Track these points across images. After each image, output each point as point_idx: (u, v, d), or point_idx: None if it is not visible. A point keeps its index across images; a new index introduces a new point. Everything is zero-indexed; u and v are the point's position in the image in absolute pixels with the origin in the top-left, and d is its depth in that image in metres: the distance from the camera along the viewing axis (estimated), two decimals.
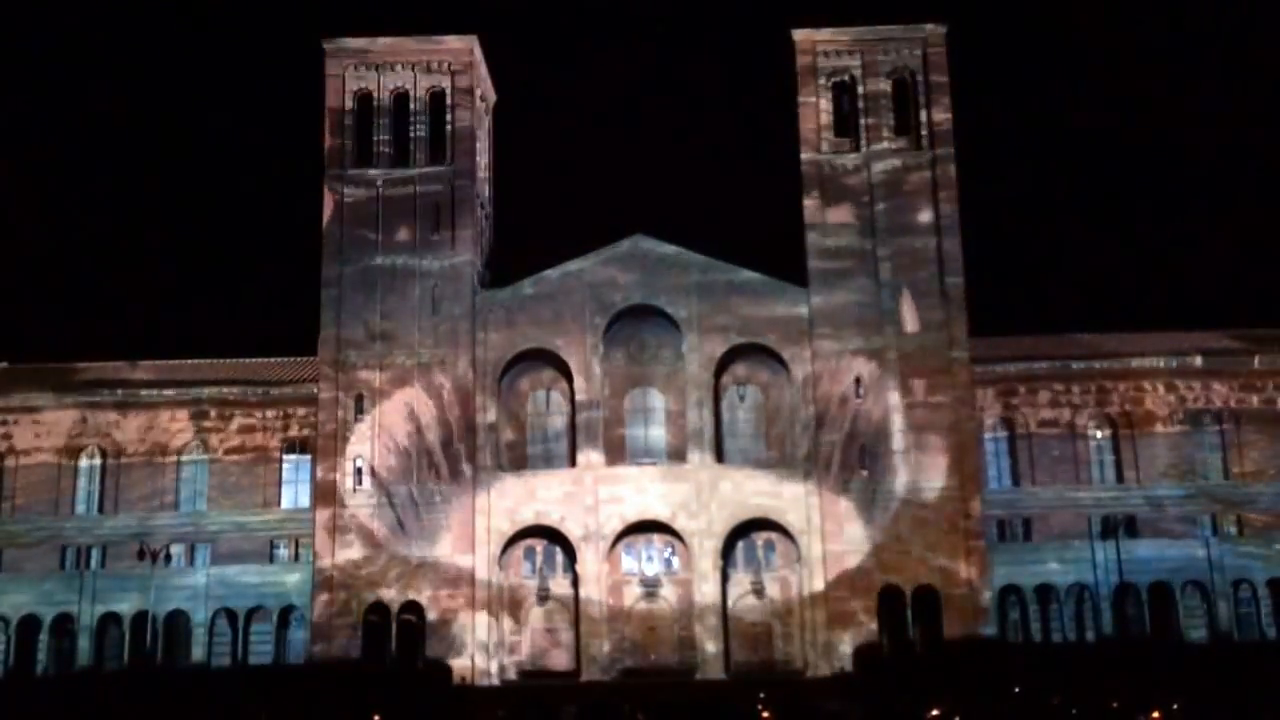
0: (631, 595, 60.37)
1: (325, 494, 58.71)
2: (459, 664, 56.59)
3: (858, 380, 59.31)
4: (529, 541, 60.66)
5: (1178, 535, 61.42)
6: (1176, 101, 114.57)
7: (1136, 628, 58.45)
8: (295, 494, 63.72)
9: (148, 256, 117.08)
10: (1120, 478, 63.90)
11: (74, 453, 64.39)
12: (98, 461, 64.59)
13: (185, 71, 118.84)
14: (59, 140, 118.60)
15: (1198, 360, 64.67)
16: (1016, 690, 43.95)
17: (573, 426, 60.65)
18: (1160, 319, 71.39)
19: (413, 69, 62.82)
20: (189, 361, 68.68)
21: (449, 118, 62.53)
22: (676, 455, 60.62)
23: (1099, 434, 64.40)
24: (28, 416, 64.52)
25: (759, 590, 60.24)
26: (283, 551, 63.35)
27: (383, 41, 63.05)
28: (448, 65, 62.87)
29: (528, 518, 59.17)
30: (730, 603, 59.45)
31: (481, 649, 57.41)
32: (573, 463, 60.11)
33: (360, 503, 58.53)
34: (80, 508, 64.10)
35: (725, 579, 59.18)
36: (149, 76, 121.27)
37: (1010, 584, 59.00)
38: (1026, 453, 63.91)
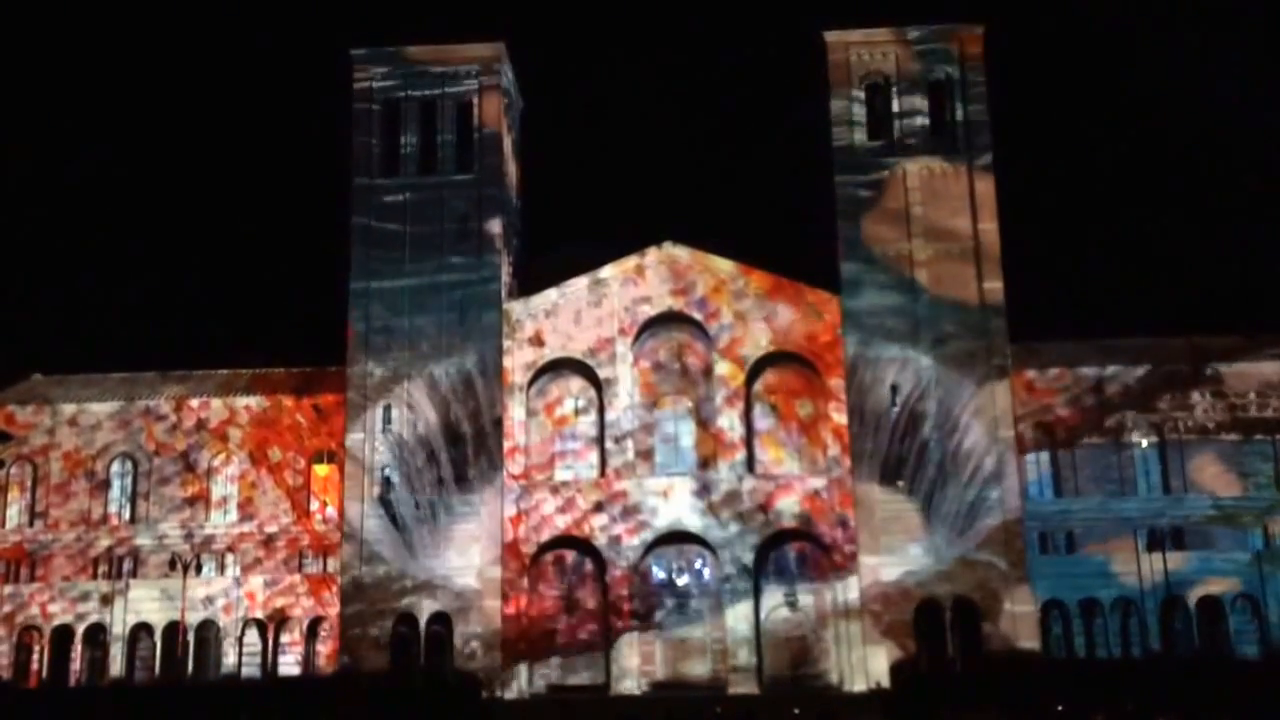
0: (662, 607, 59.46)
1: (353, 504, 58.43)
2: (487, 677, 55.96)
3: (893, 388, 58.06)
4: (558, 552, 59.97)
5: (1227, 547, 59.48)
6: (1222, 103, 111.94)
7: (1184, 643, 56.61)
8: (324, 504, 63.56)
9: (178, 267, 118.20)
10: (1167, 488, 62.00)
11: (106, 463, 64.67)
12: (130, 471, 64.85)
13: (213, 83, 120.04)
14: (87, 155, 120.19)
15: (1246, 366, 62.70)
16: (1060, 708, 42.53)
17: (602, 436, 59.93)
18: (1205, 323, 69.13)
19: (440, 76, 62.58)
20: (220, 371, 68.78)
21: (476, 125, 62.18)
22: (707, 465, 59.69)
23: (1144, 443, 62.50)
24: (60, 426, 64.94)
25: (792, 603, 59.11)
26: (311, 561, 63.17)
27: (410, 49, 62.88)
28: (475, 72, 62.55)
29: (557, 528, 58.52)
30: (763, 615, 58.38)
31: (511, 661, 56.76)
32: (602, 473, 59.40)
33: (388, 513, 58.15)
34: (112, 518, 64.34)
35: (758, 591, 58.15)
36: (178, 87, 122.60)
37: (1053, 598, 57.42)
38: (1069, 463, 62.21)
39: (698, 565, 59.98)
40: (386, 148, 62.13)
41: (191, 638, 58.31)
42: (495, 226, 60.96)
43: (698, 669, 58.68)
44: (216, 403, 64.62)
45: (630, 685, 56.41)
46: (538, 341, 60.25)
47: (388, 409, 59.13)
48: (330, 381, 63.85)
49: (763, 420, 60.82)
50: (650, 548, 58.67)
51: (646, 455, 60.24)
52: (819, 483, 58.13)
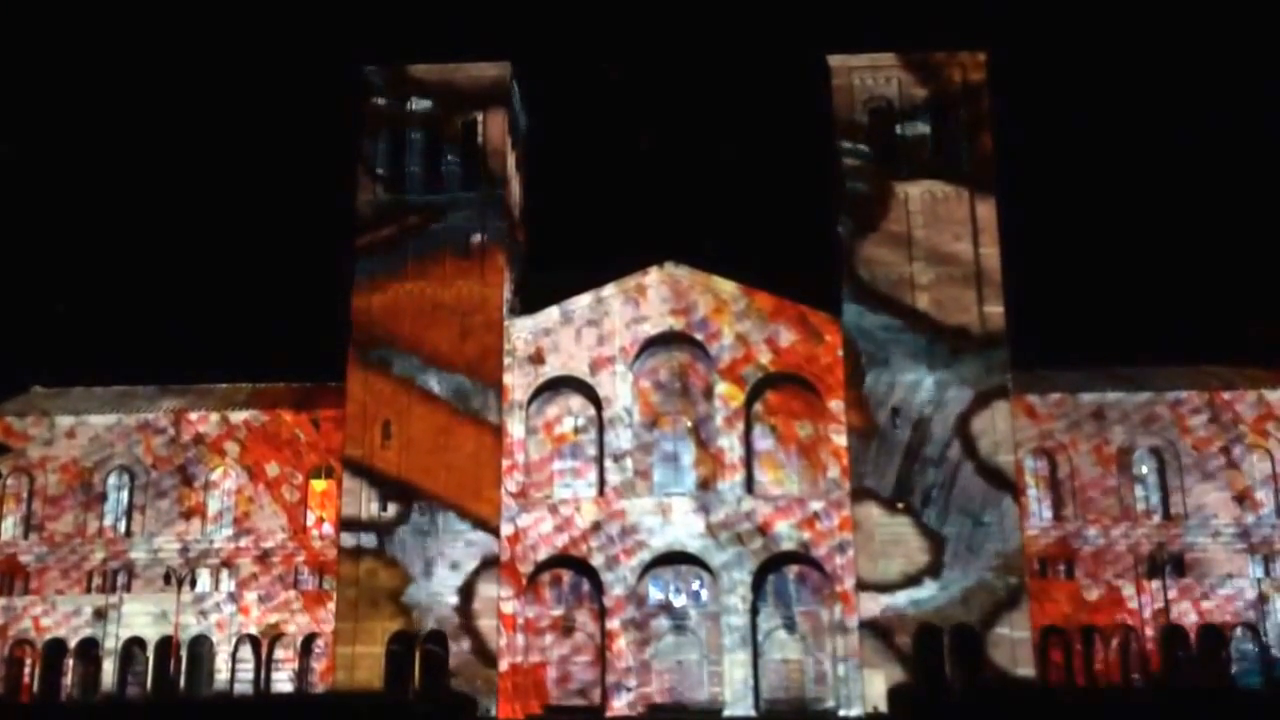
0: (659, 628, 59.16)
1: (350, 520, 58.18)
2: (483, 697, 55.53)
3: (894, 411, 57.88)
4: (555, 572, 59.64)
5: (1228, 575, 59.19)
6: (1226, 125, 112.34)
7: (1185, 672, 56.19)
8: (321, 519, 63.32)
9: (178, 281, 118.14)
10: (1167, 514, 61.81)
11: (103, 475, 64.45)
12: (126, 484, 64.64)
13: (219, 97, 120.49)
14: (89, 166, 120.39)
15: (1249, 394, 62.63)
16: None
17: (601, 455, 59.74)
18: (1209, 351, 69.07)
19: (446, 95, 62.80)
20: (218, 386, 68.72)
21: (481, 143, 62.36)
22: (707, 485, 59.45)
23: (1144, 468, 62.35)
24: (58, 439, 64.75)
25: (790, 625, 58.79)
26: (307, 577, 62.83)
27: (417, 68, 63.16)
28: (480, 91, 62.78)
29: (554, 547, 58.23)
30: (760, 637, 58.02)
31: (506, 682, 56.34)
32: (601, 492, 59.17)
33: (385, 530, 57.90)
34: (107, 531, 64.04)
35: (755, 613, 57.81)
36: (183, 101, 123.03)
37: (1052, 624, 57.05)
38: (1069, 488, 62.02)
39: (695, 586, 59.68)
40: (391, 164, 62.26)
41: (185, 653, 57.84)
42: (498, 245, 60.99)
43: (694, 691, 58.26)
44: (214, 416, 64.46)
45: (626, 707, 55.93)
46: (538, 359, 60.16)
47: (387, 425, 58.97)
48: (329, 397, 63.73)
49: (762, 441, 60.59)
50: (648, 568, 58.36)
51: (645, 475, 60.02)
52: (818, 505, 57.88)
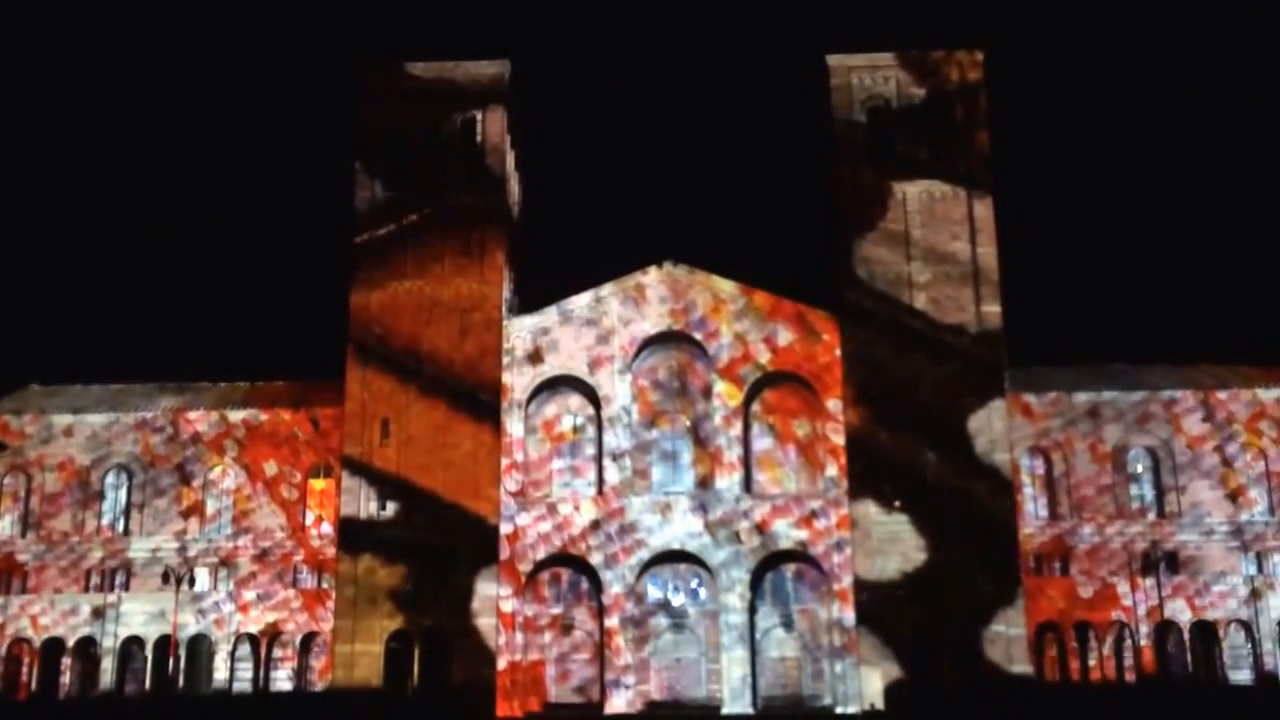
0: (658, 626, 59.41)
1: (349, 519, 58.25)
2: (482, 694, 55.65)
3: (891, 411, 58.12)
4: (554, 570, 59.84)
5: (1222, 572, 59.66)
6: (1225, 127, 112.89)
7: (1178, 668, 56.68)
8: (320, 517, 63.39)
9: (177, 279, 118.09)
10: (1162, 512, 62.26)
11: (101, 474, 64.40)
12: (124, 483, 64.61)
13: (219, 97, 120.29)
14: (89, 165, 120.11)
15: (1243, 393, 63.08)
16: None
17: (600, 454, 59.90)
18: (1204, 350, 69.59)
19: (445, 93, 62.77)
20: (217, 384, 68.72)
21: (480, 142, 62.37)
22: (705, 484, 59.66)
23: (1139, 467, 62.81)
24: (55, 437, 64.67)
25: (788, 623, 59.09)
26: (306, 576, 62.91)
27: (416, 66, 63.13)
28: (479, 89, 62.75)
29: (553, 546, 58.39)
30: (758, 636, 58.29)
31: (504, 680, 56.51)
32: (600, 491, 59.35)
33: (384, 528, 57.99)
34: (105, 530, 64.01)
35: (753, 611, 58.08)
36: (182, 99, 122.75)
37: (1047, 621, 57.44)
38: (1064, 486, 62.42)
39: (693, 585, 59.93)
40: (390, 163, 62.19)
41: (183, 651, 57.86)
42: (497, 243, 61.05)
43: (692, 689, 58.55)
44: (213, 415, 64.45)
45: (624, 705, 56.16)
46: (537, 358, 60.27)
47: (385, 423, 59.04)
48: (328, 395, 63.74)
49: (761, 440, 60.84)
50: (646, 567, 58.57)
51: (644, 473, 60.21)
52: (816, 503, 58.14)
